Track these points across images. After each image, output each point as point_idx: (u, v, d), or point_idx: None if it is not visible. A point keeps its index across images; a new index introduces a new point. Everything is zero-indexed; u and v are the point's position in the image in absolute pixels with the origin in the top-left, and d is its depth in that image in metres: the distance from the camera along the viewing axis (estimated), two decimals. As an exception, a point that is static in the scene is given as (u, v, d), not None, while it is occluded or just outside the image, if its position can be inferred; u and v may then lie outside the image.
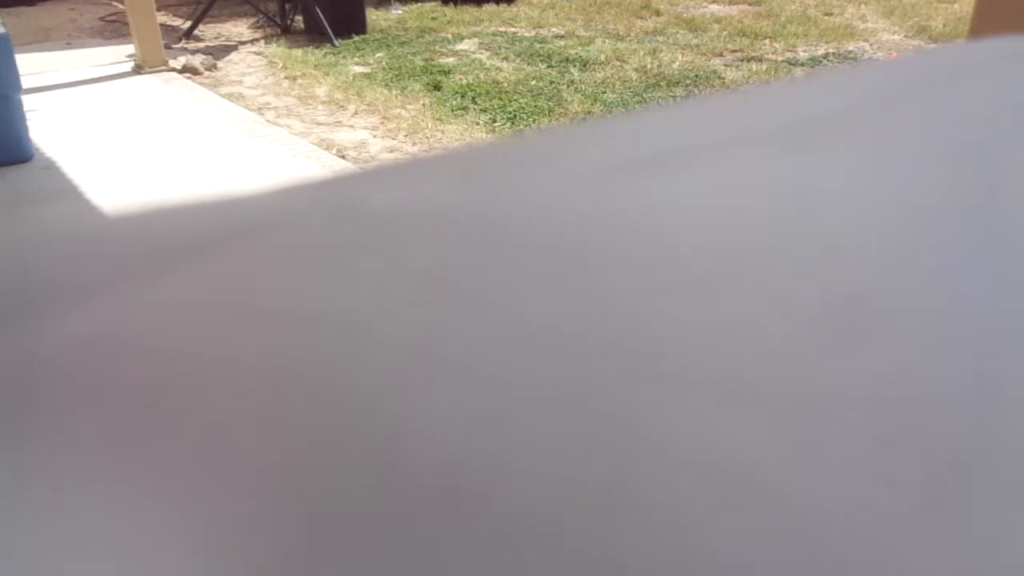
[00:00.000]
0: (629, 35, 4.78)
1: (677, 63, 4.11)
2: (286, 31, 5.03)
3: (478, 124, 3.32)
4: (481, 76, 3.97)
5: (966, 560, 0.15)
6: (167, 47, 4.32)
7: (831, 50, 4.33)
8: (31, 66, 3.94)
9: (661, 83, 3.80)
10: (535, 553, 0.15)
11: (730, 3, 5.52)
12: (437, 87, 3.80)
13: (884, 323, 0.17)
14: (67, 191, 2.64)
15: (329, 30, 4.65)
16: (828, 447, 0.16)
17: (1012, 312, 0.18)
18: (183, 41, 4.87)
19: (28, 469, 0.17)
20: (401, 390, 0.17)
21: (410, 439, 0.16)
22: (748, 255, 0.19)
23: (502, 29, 5.06)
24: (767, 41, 4.53)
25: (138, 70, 4.11)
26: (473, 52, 4.50)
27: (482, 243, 0.20)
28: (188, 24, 5.03)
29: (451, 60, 4.32)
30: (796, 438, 0.16)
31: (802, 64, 4.06)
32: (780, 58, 4.18)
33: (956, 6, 5.15)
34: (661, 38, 4.67)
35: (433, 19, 5.37)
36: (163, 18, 5.11)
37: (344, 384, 0.17)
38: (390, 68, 4.17)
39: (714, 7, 5.42)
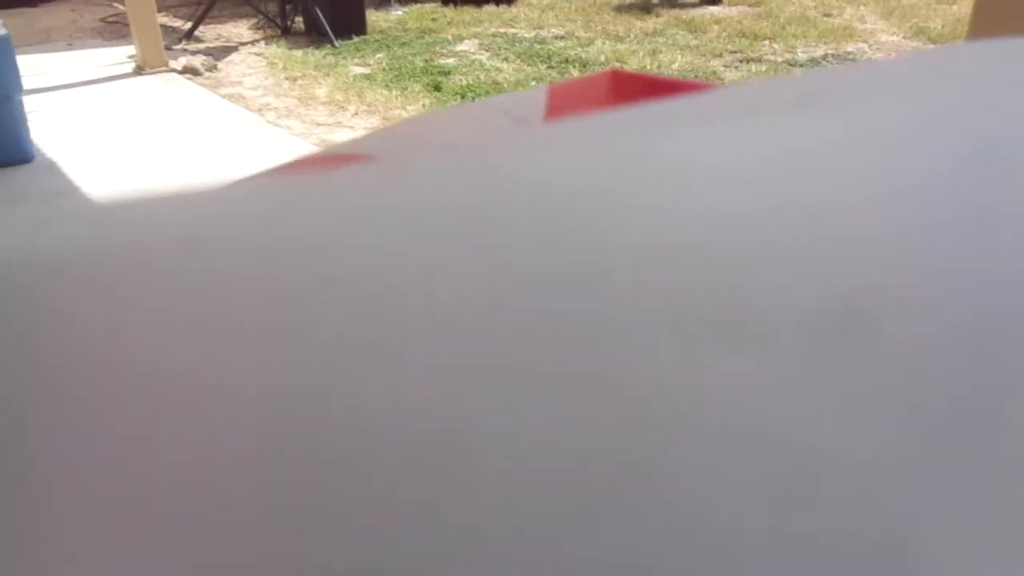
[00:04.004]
0: (629, 36, 4.78)
1: (677, 64, 4.11)
2: (286, 32, 5.03)
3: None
4: (481, 77, 3.97)
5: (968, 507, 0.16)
6: (167, 48, 4.31)
7: (830, 51, 4.32)
8: (32, 67, 3.94)
9: (661, 84, 3.79)
10: (532, 508, 0.15)
11: (730, 4, 5.51)
12: (437, 88, 3.80)
13: (879, 323, 0.18)
14: (68, 191, 2.64)
15: (329, 31, 4.64)
16: (835, 390, 0.16)
17: (1011, 313, 0.18)
18: (183, 42, 4.86)
19: (27, 468, 0.17)
20: (397, 377, 0.17)
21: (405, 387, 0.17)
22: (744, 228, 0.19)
23: (502, 30, 5.05)
24: (766, 42, 4.53)
25: (139, 71, 4.10)
26: (473, 53, 4.49)
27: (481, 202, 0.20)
28: (188, 25, 5.02)
29: (451, 61, 4.32)
30: (805, 382, 0.17)
31: (801, 65, 4.05)
32: (779, 59, 4.18)
33: (955, 7, 5.14)
34: (661, 39, 4.67)
35: (433, 20, 5.36)
36: (163, 19, 5.10)
37: (338, 374, 0.18)
38: (390, 69, 4.16)
39: (714, 8, 5.41)
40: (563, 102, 0.33)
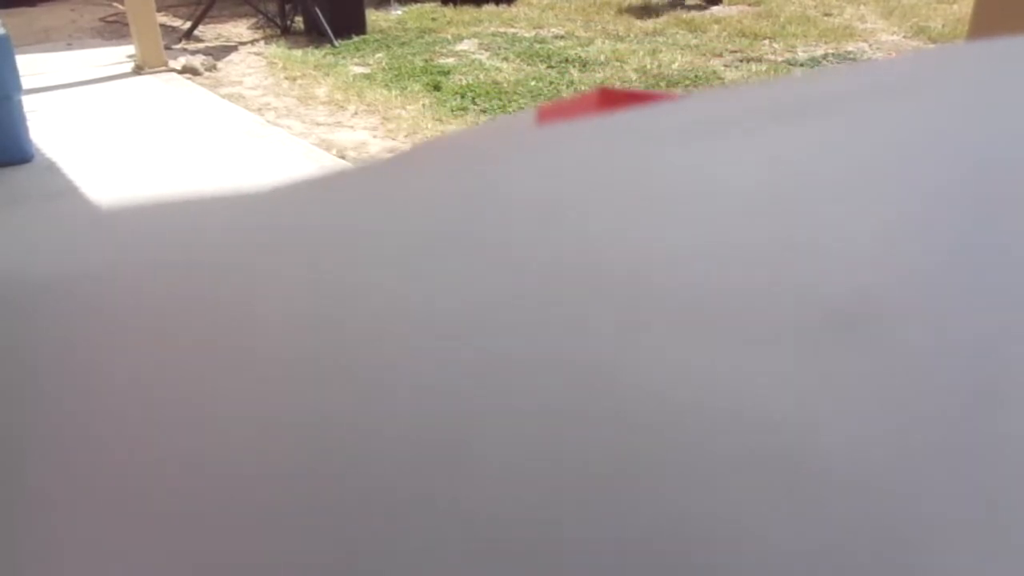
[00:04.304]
0: (629, 35, 4.79)
1: (677, 63, 4.11)
2: (286, 32, 5.03)
3: (478, 124, 3.32)
4: (481, 76, 3.97)
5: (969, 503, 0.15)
6: (167, 48, 4.32)
7: (830, 51, 4.33)
8: (32, 67, 3.94)
9: (661, 83, 3.80)
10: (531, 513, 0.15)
11: (729, 3, 5.52)
12: (437, 87, 3.80)
13: (881, 324, 0.18)
14: (68, 191, 2.64)
15: (329, 31, 4.65)
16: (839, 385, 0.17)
17: (1014, 314, 0.18)
18: (183, 42, 4.87)
19: (28, 468, 0.17)
20: (399, 378, 0.17)
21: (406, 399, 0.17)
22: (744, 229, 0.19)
23: (502, 29, 5.06)
24: (766, 42, 4.54)
25: (138, 71, 4.11)
26: (473, 52, 4.50)
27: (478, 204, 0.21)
28: (188, 25, 5.03)
29: (451, 60, 4.32)
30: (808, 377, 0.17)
31: (801, 64, 4.06)
32: (779, 59, 4.18)
33: (955, 7, 5.15)
34: (661, 39, 4.68)
35: (433, 20, 5.37)
36: (163, 19, 5.11)
37: (340, 377, 0.18)
38: (390, 68, 4.17)
39: (714, 8, 5.42)
40: (552, 122, 0.34)
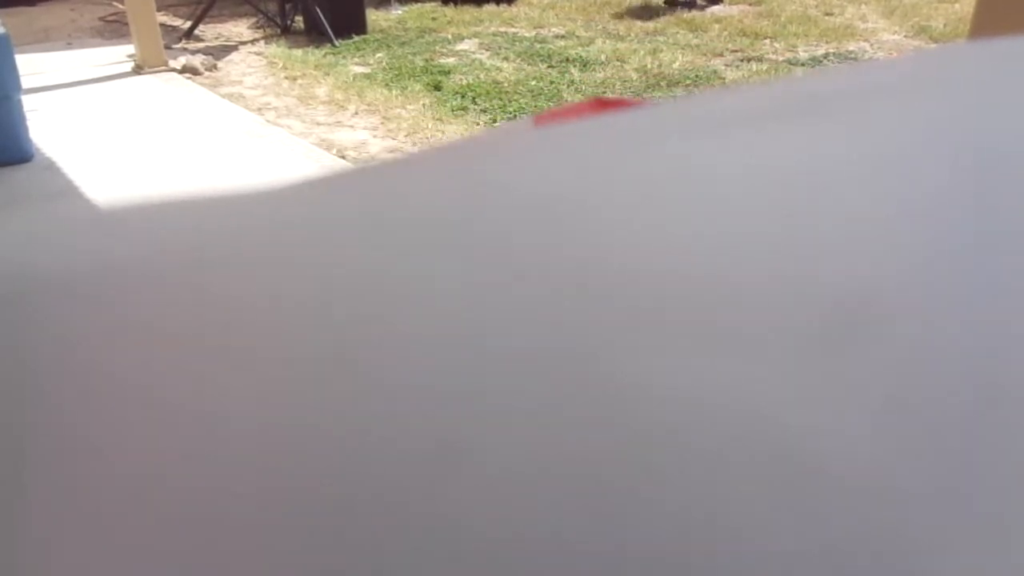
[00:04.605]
0: (629, 35, 4.78)
1: (677, 63, 4.11)
2: (286, 31, 5.03)
3: (478, 124, 3.32)
4: (481, 76, 3.97)
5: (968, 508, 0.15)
6: (167, 47, 4.32)
7: (831, 50, 4.33)
8: (31, 66, 3.95)
9: (661, 83, 3.80)
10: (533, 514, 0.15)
11: (730, 3, 5.52)
12: (437, 87, 3.80)
13: (881, 322, 0.18)
14: (68, 191, 2.64)
15: (329, 30, 4.64)
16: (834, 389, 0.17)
17: (1011, 313, 0.18)
18: (183, 41, 4.87)
19: (28, 468, 0.17)
20: (398, 376, 0.17)
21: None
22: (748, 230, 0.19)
23: (502, 29, 5.05)
24: (767, 41, 4.53)
25: (138, 70, 4.11)
26: (473, 52, 4.50)
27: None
28: (188, 24, 5.03)
29: (451, 60, 4.32)
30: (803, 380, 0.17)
31: (802, 64, 4.06)
32: (780, 58, 4.18)
33: (956, 6, 5.14)
34: (661, 38, 4.67)
35: (433, 19, 5.37)
36: (163, 18, 5.11)
37: (342, 380, 0.17)
38: (390, 68, 4.17)
39: (715, 7, 5.42)
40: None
